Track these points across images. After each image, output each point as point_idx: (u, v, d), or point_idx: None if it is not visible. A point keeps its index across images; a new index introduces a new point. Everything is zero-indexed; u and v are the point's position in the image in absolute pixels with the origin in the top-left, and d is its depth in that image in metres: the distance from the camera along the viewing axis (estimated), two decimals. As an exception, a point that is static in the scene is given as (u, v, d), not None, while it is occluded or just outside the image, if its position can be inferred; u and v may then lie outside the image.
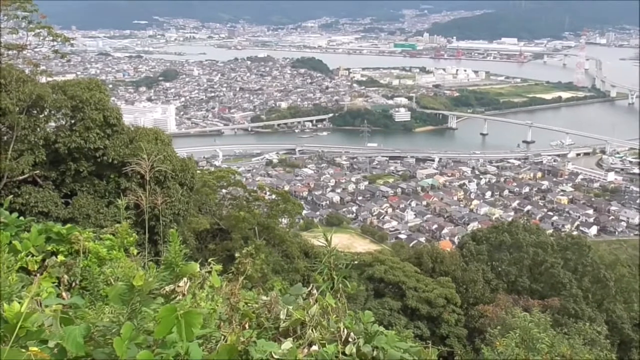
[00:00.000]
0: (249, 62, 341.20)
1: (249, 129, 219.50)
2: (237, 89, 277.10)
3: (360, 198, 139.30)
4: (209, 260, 4.41)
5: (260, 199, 25.18)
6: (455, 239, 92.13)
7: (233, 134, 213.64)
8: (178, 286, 3.81)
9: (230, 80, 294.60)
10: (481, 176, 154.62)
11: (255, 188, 28.48)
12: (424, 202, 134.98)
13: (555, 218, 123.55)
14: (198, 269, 4.16)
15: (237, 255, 5.07)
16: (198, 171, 21.53)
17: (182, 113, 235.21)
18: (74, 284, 5.01)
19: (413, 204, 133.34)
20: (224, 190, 24.67)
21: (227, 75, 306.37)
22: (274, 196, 25.97)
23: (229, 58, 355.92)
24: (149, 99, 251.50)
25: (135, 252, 6.89)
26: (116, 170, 16.85)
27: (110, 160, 16.73)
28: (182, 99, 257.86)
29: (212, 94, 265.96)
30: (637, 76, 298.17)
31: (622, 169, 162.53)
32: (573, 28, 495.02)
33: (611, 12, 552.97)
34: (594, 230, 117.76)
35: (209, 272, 4.24)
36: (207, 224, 19.70)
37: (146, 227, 7.61)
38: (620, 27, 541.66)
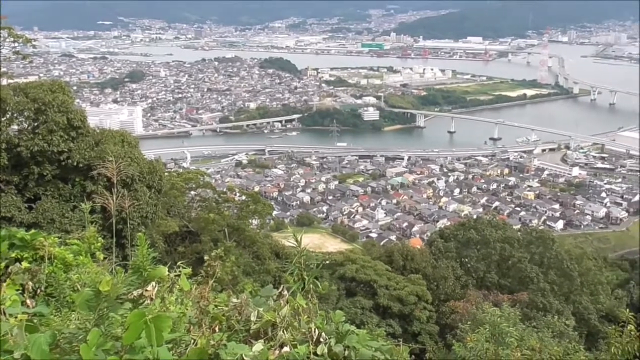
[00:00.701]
0: (216, 63, 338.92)
1: (218, 130, 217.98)
2: (205, 89, 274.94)
3: (330, 198, 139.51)
4: (178, 263, 4.36)
5: (230, 201, 25.01)
6: (425, 237, 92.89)
7: (201, 135, 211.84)
8: (146, 290, 3.75)
9: (197, 81, 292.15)
10: (449, 174, 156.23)
11: (224, 189, 28.28)
12: (394, 201, 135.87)
13: (522, 213, 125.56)
14: (167, 273, 4.10)
15: (206, 257, 5.02)
16: (166, 173, 21.28)
17: (149, 115, 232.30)
18: (39, 291, 4.89)
19: (383, 202, 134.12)
20: (192, 192, 24.42)
21: (194, 76, 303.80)
22: (243, 197, 25.80)
23: (196, 59, 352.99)
24: (115, 101, 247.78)
25: (102, 257, 6.77)
26: (82, 173, 16.54)
27: (75, 164, 16.41)
28: (149, 100, 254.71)
29: (180, 95, 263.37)
30: (598, 73, 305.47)
31: (586, 164, 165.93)
32: (536, 26, 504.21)
33: (572, 10, 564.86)
34: (560, 224, 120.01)
35: (178, 275, 4.18)
36: (176, 226, 19.46)
37: (113, 230, 7.49)
38: (581, 25, 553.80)
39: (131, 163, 15.60)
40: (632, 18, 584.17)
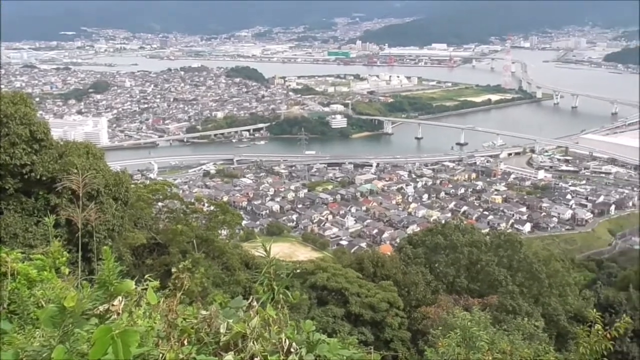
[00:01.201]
0: (182, 73, 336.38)
1: (185, 140, 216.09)
2: (171, 99, 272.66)
3: (300, 206, 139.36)
4: (146, 276, 4.28)
5: (198, 211, 24.75)
6: (396, 243, 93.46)
7: (168, 146, 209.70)
8: (112, 305, 3.67)
9: (163, 91, 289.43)
10: (418, 179, 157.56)
11: (192, 200, 28.01)
12: (364, 208, 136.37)
13: (490, 217, 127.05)
14: (134, 286, 4.02)
15: (173, 270, 4.94)
16: (133, 185, 20.96)
17: (114, 125, 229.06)
18: (1, 309, 4.76)
19: (353, 209, 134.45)
20: (160, 204, 24.07)
21: (160, 86, 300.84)
22: (212, 207, 25.56)
23: (162, 68, 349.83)
24: (79, 112, 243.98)
25: (68, 271, 6.61)
26: (45, 186, 16.19)
27: (38, 177, 16.05)
28: (114, 111, 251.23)
29: (146, 106, 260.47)
30: (560, 77, 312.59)
31: (551, 167, 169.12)
32: (499, 33, 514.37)
33: (533, 17, 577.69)
34: (527, 227, 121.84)
35: (145, 288, 4.11)
36: (143, 238, 19.18)
37: (79, 244, 7.33)
38: (542, 30, 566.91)
39: (96, 175, 15.33)
40: (590, 23, 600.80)
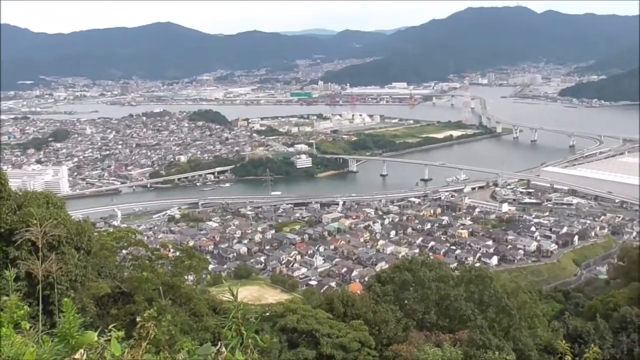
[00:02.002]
0: (144, 118, 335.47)
1: (148, 186, 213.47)
2: (134, 145, 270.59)
3: (267, 247, 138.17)
4: (110, 326, 4.15)
5: (164, 257, 24.25)
6: (365, 281, 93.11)
7: (132, 192, 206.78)
8: (74, 358, 3.55)
9: (125, 137, 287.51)
10: (385, 216, 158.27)
11: (157, 246, 27.52)
12: (332, 246, 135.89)
13: (458, 251, 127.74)
14: (96, 338, 3.90)
15: (138, 319, 4.81)
16: (95, 233, 20.51)
17: (75, 174, 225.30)
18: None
19: (321, 249, 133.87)
20: (124, 251, 23.55)
21: (122, 132, 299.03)
22: (177, 253, 25.11)
23: (124, 114, 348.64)
24: (39, 161, 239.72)
25: (28, 326, 6.38)
26: (3, 239, 15.69)
27: (-4, 230, 15.56)
28: (75, 159, 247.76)
29: (107, 152, 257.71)
30: (518, 112, 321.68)
31: (514, 200, 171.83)
32: (457, 70, 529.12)
33: (489, 54, 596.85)
34: (494, 260, 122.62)
35: (109, 339, 3.98)
36: (107, 288, 18.67)
37: (39, 297, 7.11)
38: (499, 67, 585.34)
39: (57, 225, 14.97)
40: (544, 60, 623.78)
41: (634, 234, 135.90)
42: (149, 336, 4.50)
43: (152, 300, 20.44)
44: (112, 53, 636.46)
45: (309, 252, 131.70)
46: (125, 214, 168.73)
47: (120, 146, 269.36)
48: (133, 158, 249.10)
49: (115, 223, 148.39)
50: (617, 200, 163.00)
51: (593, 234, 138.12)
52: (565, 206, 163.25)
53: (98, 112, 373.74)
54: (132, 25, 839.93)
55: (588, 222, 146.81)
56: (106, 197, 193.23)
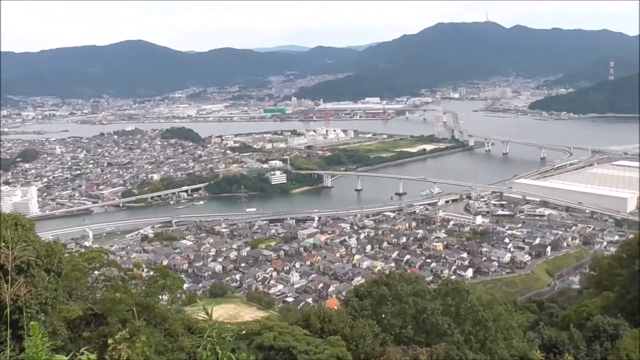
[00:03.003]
0: (115, 137, 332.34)
1: (121, 205, 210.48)
2: (105, 164, 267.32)
3: (243, 265, 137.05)
4: (82, 349, 4.05)
5: (137, 277, 23.87)
6: (342, 296, 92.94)
7: (103, 212, 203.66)
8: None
9: (96, 156, 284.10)
10: (360, 231, 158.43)
11: (130, 266, 27.07)
12: (308, 262, 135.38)
13: (433, 264, 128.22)
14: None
15: (110, 341, 4.71)
16: (66, 254, 20.11)
17: (45, 194, 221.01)
18: None
19: (297, 265, 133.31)
20: (96, 272, 23.13)
21: (93, 151, 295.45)
22: (151, 272, 24.75)
23: (94, 133, 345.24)
24: (7, 182, 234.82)
25: (-5, 352, 6.21)
26: (-30, 263, 15.29)
27: (-38, 253, 15.15)
28: (45, 179, 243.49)
29: (78, 172, 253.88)
30: (489, 125, 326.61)
31: (487, 212, 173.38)
32: (428, 85, 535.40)
33: (460, 68, 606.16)
34: (470, 272, 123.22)
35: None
36: (79, 310, 18.26)
37: (8, 322, 6.93)
38: (469, 82, 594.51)
39: (26, 247, 14.64)
40: (514, 74, 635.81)
41: (605, 243, 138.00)
42: (122, 358, 4.40)
43: (126, 322, 20.03)
44: (82, 71, 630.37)
45: (285, 268, 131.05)
46: (97, 234, 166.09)
47: (91, 165, 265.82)
48: (105, 177, 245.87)
49: (86, 244, 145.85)
50: (587, 211, 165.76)
51: (565, 244, 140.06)
52: (537, 217, 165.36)
53: (68, 131, 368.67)
54: (103, 44, 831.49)
55: (560, 232, 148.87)
56: (77, 217, 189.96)
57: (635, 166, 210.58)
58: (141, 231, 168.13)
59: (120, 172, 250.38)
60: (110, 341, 4.32)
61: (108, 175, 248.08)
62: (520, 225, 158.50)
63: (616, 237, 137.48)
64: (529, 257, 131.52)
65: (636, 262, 34.63)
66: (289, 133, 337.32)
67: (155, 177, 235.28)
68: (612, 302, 34.98)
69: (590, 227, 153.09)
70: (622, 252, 43.94)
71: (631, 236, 64.81)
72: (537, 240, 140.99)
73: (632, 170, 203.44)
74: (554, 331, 27.95)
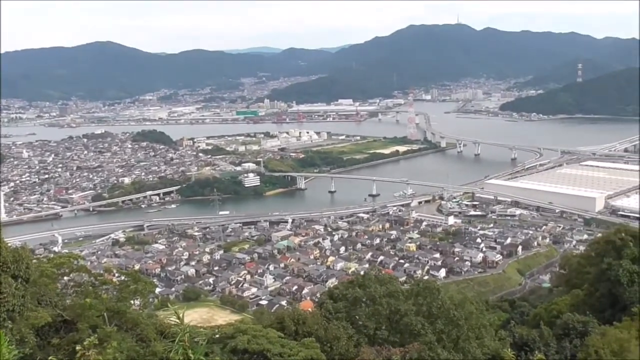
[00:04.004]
0: (85, 140, 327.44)
1: (91, 209, 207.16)
2: (74, 168, 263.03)
3: (216, 268, 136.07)
4: (50, 357, 3.95)
5: (108, 282, 23.50)
6: (316, 298, 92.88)
7: (73, 216, 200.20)
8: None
9: (65, 160, 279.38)
10: (334, 232, 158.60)
11: (101, 271, 26.64)
12: (282, 265, 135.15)
13: (407, 265, 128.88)
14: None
15: (78, 347, 4.61)
16: (34, 260, 19.70)
17: (12, 199, 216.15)
18: None
19: (271, 267, 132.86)
20: (65, 278, 22.70)
21: (61, 155, 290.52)
22: (123, 277, 24.39)
23: (63, 137, 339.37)
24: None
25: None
26: None
27: None
28: (12, 183, 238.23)
29: (46, 176, 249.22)
30: (461, 127, 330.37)
31: (460, 212, 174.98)
32: (401, 87, 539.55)
33: (432, 70, 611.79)
34: (442, 272, 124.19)
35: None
36: (48, 317, 17.88)
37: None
38: (441, 84, 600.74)
39: (-8, 253, 14.32)
40: (485, 76, 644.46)
41: (574, 242, 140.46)
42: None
43: (97, 327, 19.70)
44: (49, 73, 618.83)
45: (259, 271, 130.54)
46: (66, 239, 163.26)
47: (59, 169, 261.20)
48: (74, 181, 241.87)
49: (55, 249, 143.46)
50: (557, 211, 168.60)
51: (536, 243, 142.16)
52: (508, 217, 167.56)
53: (35, 134, 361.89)
54: (70, 45, 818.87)
55: (531, 232, 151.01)
56: (46, 222, 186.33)
57: (604, 166, 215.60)
58: (112, 235, 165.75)
59: (90, 176, 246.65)
60: (78, 347, 4.21)
61: (77, 179, 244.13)
62: (491, 225, 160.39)
63: (585, 236, 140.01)
64: (501, 257, 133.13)
65: (604, 260, 35.28)
66: (262, 135, 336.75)
67: (126, 180, 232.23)
68: (582, 299, 35.60)
69: (560, 227, 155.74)
70: (590, 251, 44.73)
71: (599, 235, 66.08)
72: (509, 240, 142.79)
73: (600, 170, 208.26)
74: (525, 329, 28.28)
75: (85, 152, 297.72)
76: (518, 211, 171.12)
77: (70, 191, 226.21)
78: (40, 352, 16.40)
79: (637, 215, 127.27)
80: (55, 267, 22.19)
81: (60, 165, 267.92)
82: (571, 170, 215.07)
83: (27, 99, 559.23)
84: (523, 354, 21.34)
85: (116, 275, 26.57)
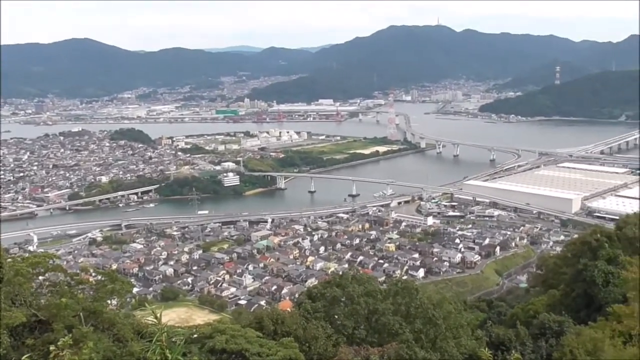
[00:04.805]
0: (62, 138, 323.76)
1: (67, 208, 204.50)
2: (50, 166, 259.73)
3: (195, 268, 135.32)
4: (24, 357, 3.88)
5: (85, 282, 23.20)
6: (295, 298, 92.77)
7: (49, 215, 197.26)
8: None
9: (41, 158, 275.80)
10: (314, 232, 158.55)
11: (78, 270, 26.35)
12: (261, 264, 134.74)
13: (386, 265, 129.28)
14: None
15: (52, 348, 4.53)
16: (9, 259, 19.41)
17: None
18: None
19: (250, 267, 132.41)
20: (41, 277, 22.38)
21: (37, 153, 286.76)
22: (99, 277, 24.10)
23: (39, 134, 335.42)
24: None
25: None
26: None
27: None
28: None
29: (21, 174, 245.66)
30: (440, 128, 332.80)
31: (438, 213, 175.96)
32: (381, 87, 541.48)
33: (412, 71, 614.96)
34: (421, 272, 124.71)
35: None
36: (22, 317, 17.60)
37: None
38: (421, 84, 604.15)
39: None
40: (464, 77, 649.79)
41: (551, 243, 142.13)
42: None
43: (72, 328, 19.43)
44: (25, 70, 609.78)
45: (238, 271, 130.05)
46: (42, 238, 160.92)
47: (35, 167, 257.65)
48: (50, 179, 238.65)
49: (31, 248, 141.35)
50: (534, 212, 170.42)
51: (513, 244, 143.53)
52: (487, 218, 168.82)
53: (10, 132, 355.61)
54: (47, 41, 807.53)
55: (508, 233, 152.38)
56: (21, 221, 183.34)
57: (580, 168, 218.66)
58: (89, 235, 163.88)
59: (67, 175, 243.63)
60: (52, 348, 4.14)
61: (54, 178, 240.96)
62: (470, 225, 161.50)
63: (562, 237, 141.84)
64: (479, 257, 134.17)
65: (580, 261, 35.75)
66: (242, 134, 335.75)
67: (104, 179, 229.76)
68: (558, 300, 36.05)
69: (537, 228, 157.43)
70: (567, 252, 45.35)
71: (576, 236, 66.96)
72: (487, 241, 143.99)
73: (577, 172, 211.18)
74: (502, 329, 28.58)
75: (62, 150, 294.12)
76: (496, 212, 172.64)
77: (46, 190, 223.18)
78: (14, 352, 16.15)
79: (613, 217, 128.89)
80: (30, 267, 21.84)
81: (36, 164, 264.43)
82: (548, 171, 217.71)
83: (2, 96, 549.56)
84: (500, 354, 21.53)
85: (93, 274, 26.29)
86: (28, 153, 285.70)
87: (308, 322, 24.32)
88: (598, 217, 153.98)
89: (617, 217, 79.39)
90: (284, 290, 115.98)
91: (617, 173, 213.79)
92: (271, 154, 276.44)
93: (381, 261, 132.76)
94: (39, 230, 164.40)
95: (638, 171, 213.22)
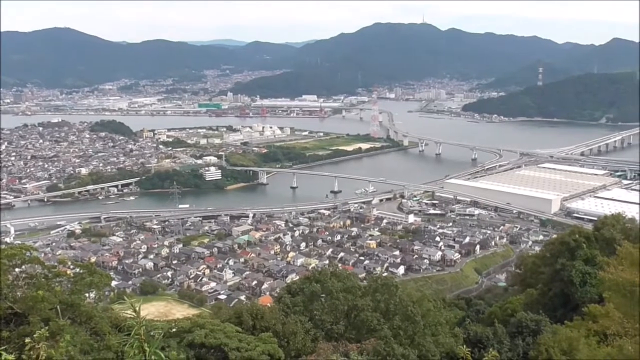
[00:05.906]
0: (40, 128, 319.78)
1: (45, 200, 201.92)
2: (29, 157, 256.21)
3: (175, 262, 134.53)
4: (-2, 350, 3.81)
5: (62, 274, 22.94)
6: (275, 293, 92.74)
7: (26, 207, 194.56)
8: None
9: (19, 149, 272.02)
10: (295, 228, 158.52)
11: (55, 263, 26.01)
12: (242, 259, 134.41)
13: (366, 262, 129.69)
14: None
15: (27, 340, 4.46)
16: (-15, 250, 19.16)
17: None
18: None
19: (231, 262, 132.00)
20: (17, 270, 22.09)
21: (15, 144, 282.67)
22: (77, 269, 23.83)
23: (17, 124, 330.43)
24: None
25: None
26: None
27: None
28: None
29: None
30: (423, 126, 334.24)
31: (419, 211, 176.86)
32: (365, 84, 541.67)
33: (396, 69, 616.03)
34: (401, 269, 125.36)
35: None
36: (-2, 309, 17.44)
37: None
38: (405, 82, 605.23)
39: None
40: (448, 76, 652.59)
41: (530, 243, 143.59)
42: (40, 357, 4.17)
43: (49, 320, 19.21)
44: (4, 58, 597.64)
45: (218, 265, 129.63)
46: (19, 229, 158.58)
47: (13, 158, 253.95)
48: (28, 170, 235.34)
49: (7, 240, 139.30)
50: (514, 211, 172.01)
51: (493, 243, 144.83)
52: (467, 217, 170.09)
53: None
54: (26, 30, 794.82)
55: (488, 232, 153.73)
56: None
57: (560, 169, 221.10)
58: (67, 227, 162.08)
59: (46, 166, 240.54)
60: (27, 340, 4.08)
61: (32, 169, 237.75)
62: (451, 224, 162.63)
63: (541, 237, 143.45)
64: (459, 256, 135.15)
65: (558, 261, 36.18)
66: (225, 129, 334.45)
67: (84, 171, 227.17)
68: (535, 299, 36.47)
69: (516, 227, 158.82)
70: (545, 252, 45.84)
71: (554, 236, 67.76)
72: (467, 239, 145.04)
73: (557, 173, 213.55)
74: (480, 327, 28.83)
75: (41, 141, 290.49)
76: (477, 211, 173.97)
77: (23, 181, 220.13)
78: (-11, 345, 15.93)
79: (591, 218, 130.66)
80: (6, 258, 21.53)
81: (14, 154, 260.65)
82: (529, 172, 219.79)
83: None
84: (477, 351, 21.72)
85: (71, 267, 25.96)
86: (6, 143, 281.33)
87: (287, 317, 24.32)
88: (577, 217, 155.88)
89: (595, 218, 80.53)
90: (264, 286, 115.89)
91: (596, 175, 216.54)
92: (254, 148, 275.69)
93: (362, 258, 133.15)
94: (16, 222, 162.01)
95: (617, 173, 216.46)
